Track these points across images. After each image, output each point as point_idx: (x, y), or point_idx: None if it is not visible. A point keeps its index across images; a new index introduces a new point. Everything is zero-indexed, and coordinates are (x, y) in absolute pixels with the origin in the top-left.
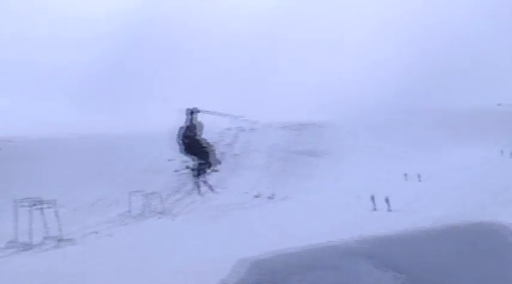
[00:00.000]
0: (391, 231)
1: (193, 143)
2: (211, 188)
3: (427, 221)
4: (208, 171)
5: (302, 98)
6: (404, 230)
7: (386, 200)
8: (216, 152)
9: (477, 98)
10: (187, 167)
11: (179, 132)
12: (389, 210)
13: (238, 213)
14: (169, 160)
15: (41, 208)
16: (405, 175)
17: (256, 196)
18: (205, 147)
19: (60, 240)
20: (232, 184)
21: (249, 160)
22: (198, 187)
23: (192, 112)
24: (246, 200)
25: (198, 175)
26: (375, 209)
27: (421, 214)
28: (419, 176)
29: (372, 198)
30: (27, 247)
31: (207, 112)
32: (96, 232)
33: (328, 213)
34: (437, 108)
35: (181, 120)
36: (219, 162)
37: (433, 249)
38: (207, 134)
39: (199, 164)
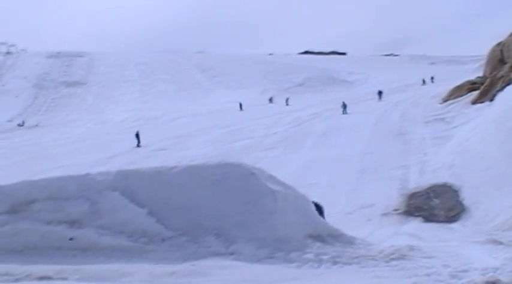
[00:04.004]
0: (138, 166)
1: None
2: None
3: (175, 159)
4: None
5: (74, 28)
6: (152, 165)
7: (137, 135)
8: None
9: (250, 47)
10: None
11: None
12: (138, 145)
13: None
14: None
15: None
16: (165, 114)
17: (20, 125)
18: None
19: None
20: None
21: (15, 88)
22: None
23: None
24: (10, 128)
25: None
26: (138, 145)
27: (172, 152)
28: (181, 117)
29: (137, 135)
30: None
31: None
32: None
33: (93, 146)
34: (205, 53)
35: None
36: None
37: (178, 186)
38: None
39: None
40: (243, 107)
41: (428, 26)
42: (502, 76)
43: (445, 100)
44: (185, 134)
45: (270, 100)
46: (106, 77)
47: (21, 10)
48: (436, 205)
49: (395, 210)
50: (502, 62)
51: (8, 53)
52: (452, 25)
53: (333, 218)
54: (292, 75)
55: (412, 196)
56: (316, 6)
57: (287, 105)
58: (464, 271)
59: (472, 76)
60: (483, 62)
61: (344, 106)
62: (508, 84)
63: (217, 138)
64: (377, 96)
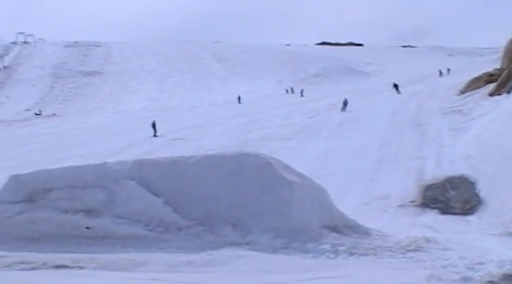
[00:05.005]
0: (155, 155)
1: None
2: None
3: (192, 148)
4: None
5: (92, 18)
6: (169, 155)
7: (153, 125)
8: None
9: (267, 38)
10: None
11: None
12: (155, 135)
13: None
14: None
15: None
16: (181, 104)
17: (37, 114)
18: None
19: None
20: (13, 100)
21: (32, 77)
22: None
23: None
24: (27, 117)
25: None
26: (155, 135)
27: (189, 142)
28: (198, 106)
29: (153, 125)
30: None
31: None
32: None
33: (109, 135)
34: (222, 43)
35: None
36: None
37: (195, 175)
38: None
39: None
40: (241, 100)
41: (447, 17)
42: None
43: (463, 92)
44: (202, 124)
45: (292, 90)
46: (123, 67)
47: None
48: (452, 197)
49: (412, 201)
50: None
51: (25, 42)
52: (471, 16)
53: (349, 209)
54: (309, 65)
55: (429, 187)
56: None
57: (302, 96)
58: (481, 263)
59: (490, 68)
60: (501, 53)
61: (345, 102)
62: None
63: (234, 128)
64: (394, 90)
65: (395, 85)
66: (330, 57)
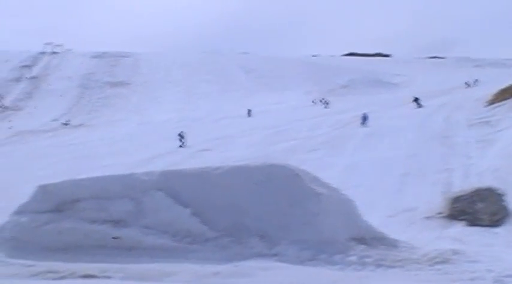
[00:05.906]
0: (182, 166)
1: None
2: None
3: (218, 159)
4: None
5: (119, 29)
6: (196, 166)
7: (181, 136)
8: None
9: (295, 49)
10: None
11: None
12: (182, 146)
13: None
14: None
15: None
16: (208, 115)
17: (64, 124)
18: None
19: None
20: (41, 110)
21: (60, 88)
22: None
23: None
24: (55, 127)
25: None
26: (182, 146)
27: (216, 153)
28: (224, 117)
29: (181, 135)
30: None
31: None
32: None
33: (137, 146)
34: (249, 55)
35: None
36: None
37: (222, 186)
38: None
39: None
40: (252, 113)
41: (475, 28)
42: None
43: (490, 103)
44: (229, 135)
45: (323, 102)
46: (150, 77)
47: (68, 11)
48: (480, 209)
49: (439, 213)
50: None
51: (53, 52)
52: (499, 27)
53: (376, 221)
54: (336, 76)
55: (456, 199)
56: (361, 8)
57: (326, 108)
58: (509, 276)
59: None
60: None
61: (364, 117)
62: None
63: (260, 139)
64: (415, 104)
65: (416, 99)
66: (358, 68)
